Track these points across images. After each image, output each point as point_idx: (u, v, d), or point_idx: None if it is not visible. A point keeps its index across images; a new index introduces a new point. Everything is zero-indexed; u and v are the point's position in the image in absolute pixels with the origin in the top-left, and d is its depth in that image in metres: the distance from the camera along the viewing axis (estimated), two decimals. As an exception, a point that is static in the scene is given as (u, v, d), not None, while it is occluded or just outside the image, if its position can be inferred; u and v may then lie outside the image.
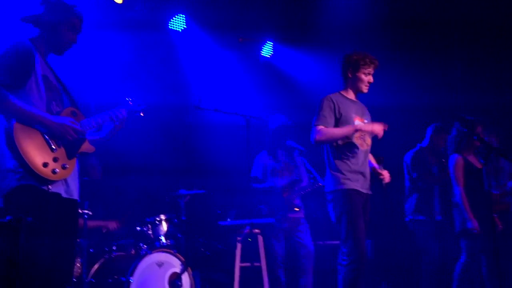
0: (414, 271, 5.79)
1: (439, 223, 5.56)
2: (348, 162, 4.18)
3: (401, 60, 6.70)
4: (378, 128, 4.17)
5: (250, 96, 6.84)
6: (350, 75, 4.32)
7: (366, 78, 4.28)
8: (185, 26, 6.78)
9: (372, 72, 4.30)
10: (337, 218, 4.19)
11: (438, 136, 5.70)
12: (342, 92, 4.40)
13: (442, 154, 5.63)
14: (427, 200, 5.59)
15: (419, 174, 5.59)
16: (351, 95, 4.40)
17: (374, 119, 4.44)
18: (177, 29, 6.77)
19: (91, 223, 5.25)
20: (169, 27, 6.73)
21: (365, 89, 4.33)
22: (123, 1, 5.98)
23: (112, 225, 5.56)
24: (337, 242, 6.26)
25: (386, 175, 4.41)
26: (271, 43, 7.29)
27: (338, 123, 4.23)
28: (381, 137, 4.22)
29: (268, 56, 7.34)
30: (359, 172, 4.21)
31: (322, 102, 4.27)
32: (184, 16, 6.71)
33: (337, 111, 4.23)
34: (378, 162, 4.48)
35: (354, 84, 4.34)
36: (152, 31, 6.46)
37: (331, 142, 4.23)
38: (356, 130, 4.19)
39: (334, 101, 4.26)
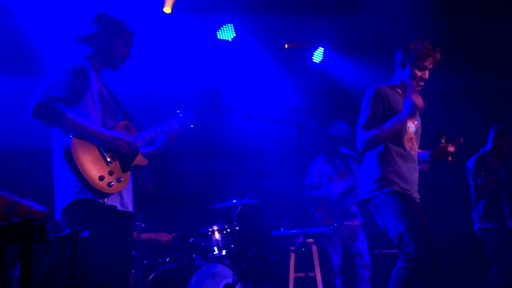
0: (481, 282, 5.56)
1: (510, 230, 5.35)
2: (395, 166, 3.60)
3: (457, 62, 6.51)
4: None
5: (300, 103, 6.78)
6: (402, 67, 3.71)
7: (420, 73, 3.66)
8: (234, 35, 6.80)
9: (429, 67, 3.67)
10: (383, 220, 3.61)
11: (502, 138, 5.50)
12: (392, 86, 3.80)
13: (508, 157, 5.44)
14: (496, 206, 5.36)
15: (484, 180, 5.38)
16: (401, 90, 3.78)
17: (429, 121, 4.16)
18: (227, 39, 6.81)
19: (144, 236, 5.37)
20: (218, 37, 6.78)
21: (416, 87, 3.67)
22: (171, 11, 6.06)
23: (164, 237, 5.63)
24: (394, 251, 6.17)
25: (451, 147, 3.69)
26: (322, 48, 7.23)
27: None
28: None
29: (318, 62, 7.27)
30: (408, 178, 3.64)
31: (371, 97, 3.62)
32: (232, 25, 6.73)
33: (388, 108, 3.61)
34: (438, 137, 3.82)
35: (405, 78, 3.70)
36: (201, 41, 6.53)
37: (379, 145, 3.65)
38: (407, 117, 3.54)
39: (384, 96, 3.64)
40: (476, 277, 5.79)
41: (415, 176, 3.71)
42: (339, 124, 5.75)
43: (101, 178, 2.91)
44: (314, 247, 5.50)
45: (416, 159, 3.78)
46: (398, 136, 3.61)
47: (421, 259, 3.36)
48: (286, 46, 6.94)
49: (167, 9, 6.10)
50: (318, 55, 7.16)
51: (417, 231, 3.44)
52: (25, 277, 1.89)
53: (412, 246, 3.36)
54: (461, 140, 3.71)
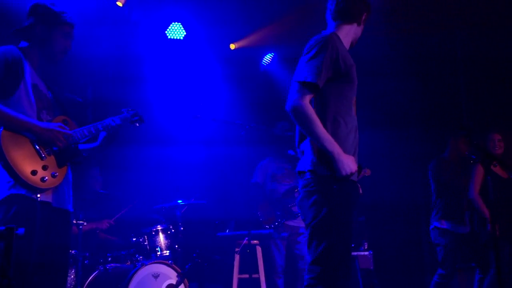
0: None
1: (463, 236, 5.47)
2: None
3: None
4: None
5: (248, 105, 6.84)
6: (351, 16, 3.14)
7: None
8: (185, 33, 6.82)
9: None
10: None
11: (459, 141, 5.60)
12: (339, 35, 3.09)
13: (466, 160, 5.55)
14: (455, 209, 5.47)
15: (445, 179, 5.52)
16: (347, 43, 3.16)
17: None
18: (178, 38, 6.83)
19: (85, 227, 5.26)
20: (168, 36, 6.79)
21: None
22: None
23: (105, 224, 5.58)
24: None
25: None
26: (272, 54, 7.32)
27: (340, 81, 2.97)
28: None
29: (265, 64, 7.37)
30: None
31: (322, 46, 2.91)
32: (180, 24, 6.76)
33: (341, 63, 2.94)
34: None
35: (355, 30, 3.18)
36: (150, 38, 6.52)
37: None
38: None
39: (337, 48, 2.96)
40: (412, 279, 5.96)
41: None
42: (283, 124, 5.84)
43: (34, 172, 2.85)
44: (258, 249, 5.52)
45: None
46: None
47: None
48: (232, 46, 6.97)
49: (119, 3, 6.10)
50: (267, 59, 7.26)
51: None
52: None
53: None
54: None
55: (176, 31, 6.74)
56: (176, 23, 6.72)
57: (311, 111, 2.82)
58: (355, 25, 3.16)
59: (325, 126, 2.84)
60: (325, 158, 2.83)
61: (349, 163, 2.81)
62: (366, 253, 6.67)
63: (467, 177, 5.51)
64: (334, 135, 2.85)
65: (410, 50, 6.86)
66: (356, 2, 3.13)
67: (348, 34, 3.14)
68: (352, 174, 2.83)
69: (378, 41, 6.37)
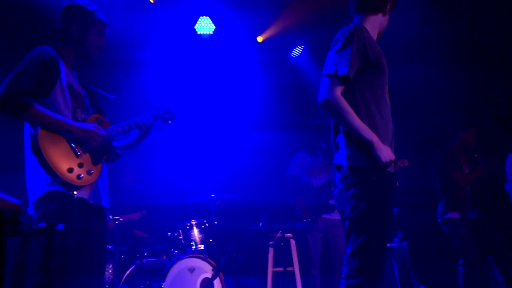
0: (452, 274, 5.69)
1: (471, 221, 5.50)
2: None
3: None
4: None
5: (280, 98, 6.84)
6: (375, 7, 3.12)
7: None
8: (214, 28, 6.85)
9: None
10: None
11: (466, 132, 5.65)
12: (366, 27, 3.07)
13: (472, 151, 5.60)
14: (460, 198, 5.54)
15: (451, 173, 5.53)
16: (374, 35, 3.13)
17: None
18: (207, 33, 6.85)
19: (121, 222, 5.33)
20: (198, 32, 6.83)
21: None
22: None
23: (137, 215, 5.67)
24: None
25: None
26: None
27: (370, 71, 2.96)
28: None
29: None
30: None
31: (349, 36, 2.91)
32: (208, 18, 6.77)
33: (370, 53, 2.93)
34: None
35: (380, 20, 3.15)
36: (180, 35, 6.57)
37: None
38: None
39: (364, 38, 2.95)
40: (446, 270, 5.91)
41: None
42: (317, 116, 5.82)
43: (70, 170, 2.91)
44: (292, 242, 5.53)
45: None
46: None
47: None
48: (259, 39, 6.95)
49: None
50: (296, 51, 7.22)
51: None
52: None
53: None
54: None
55: (205, 25, 6.76)
56: (205, 17, 6.73)
57: (344, 103, 2.82)
58: (380, 15, 3.13)
59: (359, 117, 2.84)
60: (362, 149, 2.84)
61: (388, 151, 2.82)
62: (402, 244, 6.63)
63: (471, 168, 5.54)
64: (370, 125, 2.85)
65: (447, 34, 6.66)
66: None
67: (374, 25, 3.11)
68: (391, 162, 2.84)
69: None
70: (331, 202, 5.63)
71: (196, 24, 6.75)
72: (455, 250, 5.54)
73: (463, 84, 6.68)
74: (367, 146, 2.81)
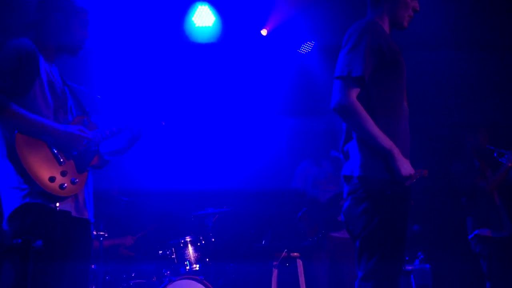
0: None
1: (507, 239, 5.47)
2: None
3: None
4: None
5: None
6: None
7: (412, 2, 3.14)
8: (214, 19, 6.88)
9: None
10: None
11: (477, 135, 5.67)
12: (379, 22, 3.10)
13: (489, 153, 5.61)
14: (491, 211, 5.50)
15: (475, 181, 5.51)
16: (387, 28, 3.13)
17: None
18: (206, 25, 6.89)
19: (106, 243, 5.43)
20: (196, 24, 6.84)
21: (406, 21, 3.13)
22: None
23: (128, 240, 5.68)
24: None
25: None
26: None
27: (387, 71, 2.94)
28: None
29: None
30: None
31: (361, 33, 2.90)
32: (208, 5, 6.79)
33: (386, 51, 2.93)
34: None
35: (394, 10, 3.11)
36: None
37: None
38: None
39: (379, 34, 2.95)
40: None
41: None
42: (321, 121, 5.84)
43: (52, 179, 2.88)
44: (299, 262, 5.53)
45: None
46: None
47: None
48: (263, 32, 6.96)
49: None
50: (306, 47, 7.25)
51: None
52: None
53: None
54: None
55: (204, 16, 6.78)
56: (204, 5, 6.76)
57: (360, 108, 2.79)
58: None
59: (376, 124, 2.80)
60: (378, 159, 2.80)
61: (408, 164, 2.79)
62: (423, 266, 6.62)
63: (493, 171, 5.51)
64: (387, 133, 2.81)
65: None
66: None
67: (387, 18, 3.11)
68: (411, 176, 2.80)
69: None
70: (340, 218, 5.62)
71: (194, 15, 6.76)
72: (484, 272, 5.50)
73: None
74: (385, 156, 2.78)
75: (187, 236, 5.39)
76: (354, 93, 2.81)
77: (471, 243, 5.55)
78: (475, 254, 5.53)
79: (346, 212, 2.97)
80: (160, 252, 5.39)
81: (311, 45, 7.19)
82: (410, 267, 6.54)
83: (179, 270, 5.26)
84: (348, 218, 2.97)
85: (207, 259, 5.32)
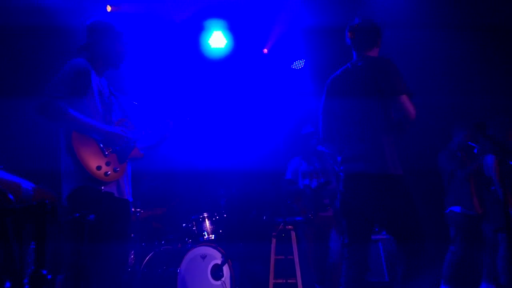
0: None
1: (472, 217, 5.47)
2: None
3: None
4: None
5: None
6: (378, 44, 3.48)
7: None
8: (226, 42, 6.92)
9: None
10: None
11: (461, 130, 5.60)
12: None
13: (470, 147, 5.50)
14: (465, 193, 5.49)
15: (455, 168, 5.51)
16: None
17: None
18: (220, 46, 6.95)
19: (142, 215, 5.44)
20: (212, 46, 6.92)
21: None
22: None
23: (158, 211, 5.74)
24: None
25: None
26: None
27: None
28: None
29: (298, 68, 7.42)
30: None
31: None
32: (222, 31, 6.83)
33: None
34: None
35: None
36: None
37: None
38: None
39: None
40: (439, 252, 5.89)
41: None
42: (306, 126, 5.92)
43: (99, 168, 2.97)
44: (292, 233, 5.57)
45: None
46: None
47: None
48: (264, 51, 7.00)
49: None
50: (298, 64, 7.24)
51: None
52: (39, 253, 1.94)
53: None
54: None
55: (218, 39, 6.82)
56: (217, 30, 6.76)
57: None
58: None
59: None
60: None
61: None
62: (388, 236, 6.65)
63: (473, 165, 5.44)
64: None
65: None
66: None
67: None
68: None
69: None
70: (325, 201, 5.72)
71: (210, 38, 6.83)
72: (450, 238, 5.51)
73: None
74: None
75: (204, 212, 5.44)
76: None
77: (446, 216, 5.58)
78: (447, 225, 5.57)
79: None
80: (184, 225, 5.45)
81: (303, 62, 7.25)
82: (379, 237, 6.61)
83: (199, 239, 5.32)
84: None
85: (220, 231, 5.37)
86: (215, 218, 5.44)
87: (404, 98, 3.08)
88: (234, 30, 6.76)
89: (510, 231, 4.14)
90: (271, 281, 5.50)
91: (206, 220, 5.42)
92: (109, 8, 6.10)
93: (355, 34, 3.43)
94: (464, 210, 5.43)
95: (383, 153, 3.15)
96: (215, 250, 5.07)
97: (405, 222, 3.13)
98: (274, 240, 5.54)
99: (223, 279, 4.99)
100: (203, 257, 5.00)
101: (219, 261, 5.02)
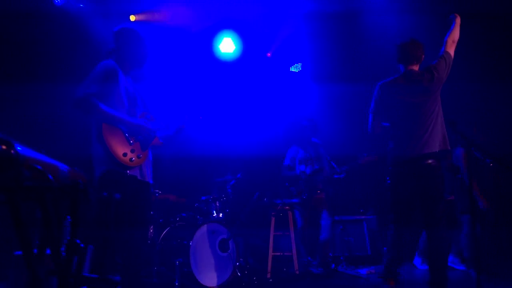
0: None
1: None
2: None
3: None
4: None
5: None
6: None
7: None
8: (235, 47, 6.87)
9: None
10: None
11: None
12: None
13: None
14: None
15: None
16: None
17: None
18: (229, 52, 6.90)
19: (160, 196, 5.47)
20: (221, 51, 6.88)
21: None
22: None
23: (172, 197, 5.77)
24: (350, 217, 6.31)
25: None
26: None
27: None
28: None
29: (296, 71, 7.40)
30: None
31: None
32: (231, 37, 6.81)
33: None
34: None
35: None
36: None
37: None
38: None
39: None
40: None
41: None
42: (303, 118, 5.93)
43: (125, 154, 2.99)
44: (289, 213, 5.60)
45: None
46: None
47: None
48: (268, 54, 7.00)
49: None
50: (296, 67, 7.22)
51: None
52: (73, 225, 1.93)
53: None
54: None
55: (227, 45, 6.77)
56: (228, 37, 6.72)
57: None
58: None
59: None
60: None
61: None
62: (372, 216, 6.70)
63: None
64: None
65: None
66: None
67: None
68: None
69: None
70: (319, 185, 5.73)
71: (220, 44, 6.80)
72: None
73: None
74: None
75: (213, 194, 5.43)
76: None
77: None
78: None
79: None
80: (196, 204, 5.44)
81: (300, 65, 7.23)
82: (363, 217, 6.65)
83: (209, 217, 5.31)
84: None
85: (227, 210, 5.36)
86: (223, 199, 5.42)
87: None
88: (242, 36, 6.74)
89: (473, 213, 4.17)
90: (270, 253, 5.53)
91: (215, 201, 5.40)
92: (132, 18, 6.10)
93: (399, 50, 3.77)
94: (455, 197, 5.38)
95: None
96: (222, 227, 5.06)
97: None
98: (273, 219, 5.57)
99: (229, 251, 4.99)
100: (212, 232, 4.99)
101: (225, 236, 5.02)
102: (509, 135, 5.52)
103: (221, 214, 5.35)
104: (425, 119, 3.53)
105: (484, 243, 5.08)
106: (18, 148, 1.38)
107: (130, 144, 3.08)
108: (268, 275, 5.37)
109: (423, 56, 3.79)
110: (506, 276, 4.76)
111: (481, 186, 5.17)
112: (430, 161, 3.42)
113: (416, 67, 3.77)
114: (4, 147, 1.34)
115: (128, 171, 3.03)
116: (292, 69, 7.26)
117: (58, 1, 5.31)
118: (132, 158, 3.04)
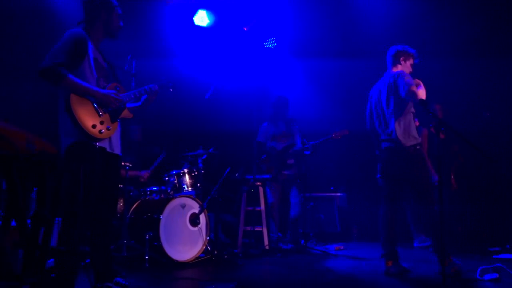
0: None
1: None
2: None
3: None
4: None
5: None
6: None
7: None
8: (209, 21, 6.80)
9: None
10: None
11: None
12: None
13: None
14: None
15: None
16: None
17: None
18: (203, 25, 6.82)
19: (131, 173, 5.44)
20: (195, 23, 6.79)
21: None
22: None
23: (145, 175, 5.77)
24: (321, 194, 6.42)
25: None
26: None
27: None
28: None
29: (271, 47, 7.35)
30: None
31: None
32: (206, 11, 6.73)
33: None
34: None
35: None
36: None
37: None
38: None
39: None
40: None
41: None
42: (279, 97, 5.96)
43: (94, 126, 2.97)
44: (260, 189, 5.68)
45: None
46: None
47: None
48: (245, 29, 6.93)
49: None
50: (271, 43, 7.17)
51: None
52: (40, 197, 1.98)
53: None
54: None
55: (202, 18, 6.68)
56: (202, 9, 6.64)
57: None
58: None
59: None
60: None
61: None
62: (343, 194, 6.84)
63: None
64: None
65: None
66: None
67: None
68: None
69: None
70: (289, 161, 5.81)
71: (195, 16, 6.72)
72: None
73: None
74: None
75: (185, 168, 5.41)
76: None
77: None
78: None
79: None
80: (166, 178, 5.42)
81: (274, 39, 7.20)
82: (334, 194, 6.79)
83: (179, 191, 5.29)
84: None
85: (198, 184, 5.35)
86: (194, 173, 5.41)
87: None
88: (217, 10, 6.66)
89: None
90: (241, 228, 5.63)
91: (186, 174, 5.38)
92: None
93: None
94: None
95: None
96: (193, 201, 5.06)
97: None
98: (244, 194, 5.63)
99: (199, 225, 5.02)
100: (183, 206, 4.98)
101: (196, 210, 5.03)
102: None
103: (191, 188, 5.35)
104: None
105: (450, 220, 5.27)
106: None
107: (100, 115, 3.06)
108: (238, 250, 5.43)
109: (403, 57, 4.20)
110: (469, 254, 4.95)
111: (450, 164, 5.36)
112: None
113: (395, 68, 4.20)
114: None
115: (97, 143, 3.02)
116: (267, 45, 7.21)
117: None
118: (101, 130, 3.03)
